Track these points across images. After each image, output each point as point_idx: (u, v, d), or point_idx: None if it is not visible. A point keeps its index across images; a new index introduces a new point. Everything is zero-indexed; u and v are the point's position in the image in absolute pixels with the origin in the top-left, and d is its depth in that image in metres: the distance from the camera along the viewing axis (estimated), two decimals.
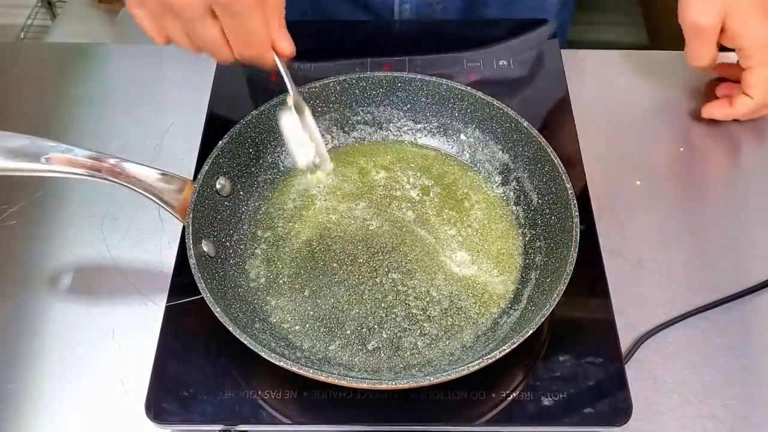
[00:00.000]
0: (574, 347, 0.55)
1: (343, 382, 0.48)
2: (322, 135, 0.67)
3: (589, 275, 0.58)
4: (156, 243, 0.65)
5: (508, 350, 0.48)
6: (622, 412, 0.51)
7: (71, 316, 0.61)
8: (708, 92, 0.76)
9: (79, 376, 0.58)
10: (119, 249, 0.65)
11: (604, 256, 0.59)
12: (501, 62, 0.75)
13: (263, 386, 0.53)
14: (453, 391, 0.52)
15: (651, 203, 0.68)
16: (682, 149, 0.73)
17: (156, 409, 0.51)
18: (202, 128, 0.68)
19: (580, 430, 0.52)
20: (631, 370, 0.54)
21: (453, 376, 0.47)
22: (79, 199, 0.69)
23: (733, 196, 0.69)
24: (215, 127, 0.62)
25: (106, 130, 0.75)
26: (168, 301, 0.57)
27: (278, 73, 0.53)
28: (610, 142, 0.73)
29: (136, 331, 0.60)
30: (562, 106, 0.70)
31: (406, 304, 0.57)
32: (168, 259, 0.62)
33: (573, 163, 0.64)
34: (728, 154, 0.73)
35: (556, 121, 0.69)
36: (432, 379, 0.47)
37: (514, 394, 0.52)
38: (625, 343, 0.57)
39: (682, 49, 0.72)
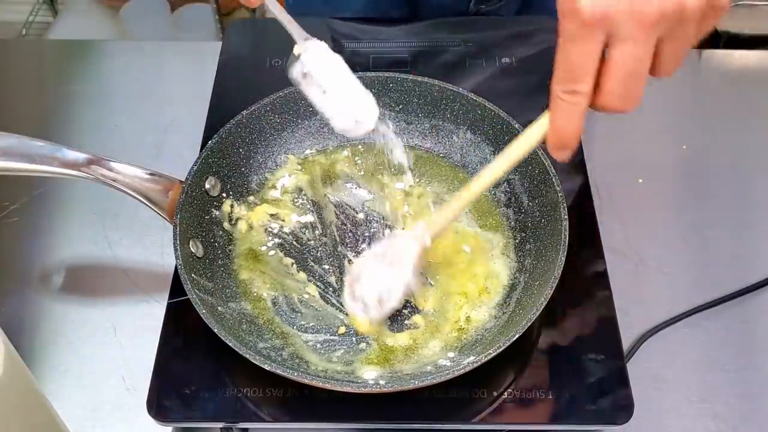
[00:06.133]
0: (576, 345, 0.55)
1: (327, 386, 0.48)
2: (322, 134, 0.66)
3: (591, 273, 0.58)
4: (157, 240, 0.65)
5: (494, 354, 0.48)
6: (624, 410, 0.51)
7: (73, 313, 0.61)
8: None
9: (80, 374, 0.58)
10: (121, 246, 0.65)
11: (606, 254, 0.59)
12: (504, 60, 0.75)
13: (264, 384, 0.52)
14: (454, 389, 0.52)
15: (653, 201, 0.68)
16: (684, 147, 0.73)
17: (158, 406, 0.51)
18: (203, 125, 0.68)
19: (582, 428, 0.52)
20: (632, 369, 0.54)
21: (438, 380, 0.47)
22: (80, 196, 0.69)
23: (734, 194, 0.69)
24: (217, 124, 0.62)
25: (108, 127, 0.75)
26: (170, 299, 0.57)
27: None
28: (612, 140, 0.73)
29: (137, 328, 0.60)
30: None
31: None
32: (169, 257, 0.62)
33: (575, 161, 0.64)
34: (730, 153, 0.73)
35: None
36: (416, 383, 0.48)
37: (516, 393, 0.52)
38: (626, 342, 0.57)
39: None
